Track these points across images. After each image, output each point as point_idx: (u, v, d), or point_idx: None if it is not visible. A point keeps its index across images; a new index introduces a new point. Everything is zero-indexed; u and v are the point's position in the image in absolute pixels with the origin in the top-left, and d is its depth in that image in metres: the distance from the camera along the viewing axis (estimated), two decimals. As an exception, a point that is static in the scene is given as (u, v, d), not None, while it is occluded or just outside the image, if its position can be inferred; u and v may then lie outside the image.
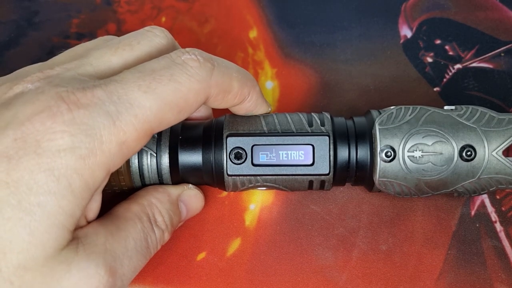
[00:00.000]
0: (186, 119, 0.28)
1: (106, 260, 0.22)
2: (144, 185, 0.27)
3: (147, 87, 0.22)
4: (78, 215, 0.21)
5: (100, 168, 0.21)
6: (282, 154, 0.27)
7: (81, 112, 0.21)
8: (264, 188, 0.28)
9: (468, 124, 0.26)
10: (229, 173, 0.27)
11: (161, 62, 0.23)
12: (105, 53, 0.24)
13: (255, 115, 0.28)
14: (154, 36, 0.25)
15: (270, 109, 0.28)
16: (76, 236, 0.22)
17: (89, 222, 0.23)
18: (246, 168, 0.26)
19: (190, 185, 0.28)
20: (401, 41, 0.36)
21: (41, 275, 0.20)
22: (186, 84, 0.23)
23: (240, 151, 0.26)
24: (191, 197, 0.28)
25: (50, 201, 0.20)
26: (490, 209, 0.30)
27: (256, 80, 0.27)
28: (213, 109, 0.30)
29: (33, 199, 0.20)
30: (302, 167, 0.27)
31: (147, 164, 0.27)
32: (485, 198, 0.31)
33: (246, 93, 0.26)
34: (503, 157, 0.26)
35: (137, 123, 0.22)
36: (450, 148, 0.26)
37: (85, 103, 0.21)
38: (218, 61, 0.25)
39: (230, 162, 0.26)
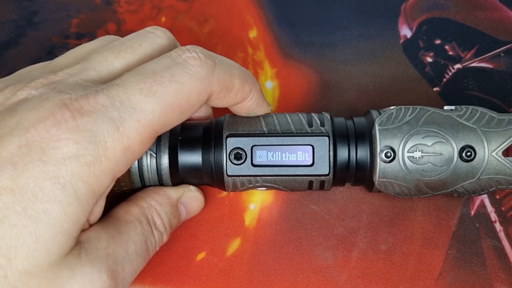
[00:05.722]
0: (186, 119, 0.28)
1: (108, 265, 0.22)
2: (144, 186, 0.27)
3: (149, 90, 0.22)
4: (83, 221, 0.21)
5: (105, 175, 0.21)
6: (282, 154, 0.27)
7: (85, 119, 0.21)
8: (264, 189, 0.28)
9: (468, 124, 0.26)
10: (229, 173, 0.27)
11: (161, 62, 0.23)
12: (107, 56, 0.24)
13: (255, 115, 0.28)
14: (156, 37, 0.25)
15: (270, 108, 0.28)
16: (79, 240, 0.22)
17: (91, 225, 0.23)
18: (246, 168, 0.26)
19: (191, 186, 0.28)
20: (401, 41, 0.36)
21: (45, 281, 0.20)
22: (187, 84, 0.23)
23: (240, 151, 0.26)
24: (191, 199, 0.28)
25: (56, 209, 0.20)
26: (490, 209, 0.30)
27: (256, 79, 0.27)
28: (213, 109, 0.30)
29: (38, 206, 0.20)
30: (302, 168, 0.27)
31: (147, 164, 0.27)
32: (485, 198, 0.31)
33: (248, 91, 0.26)
34: (503, 157, 0.26)
35: (141, 127, 0.22)
36: (450, 148, 0.26)
37: (88, 110, 0.21)
38: (219, 58, 0.25)
39: (230, 163, 0.26)
